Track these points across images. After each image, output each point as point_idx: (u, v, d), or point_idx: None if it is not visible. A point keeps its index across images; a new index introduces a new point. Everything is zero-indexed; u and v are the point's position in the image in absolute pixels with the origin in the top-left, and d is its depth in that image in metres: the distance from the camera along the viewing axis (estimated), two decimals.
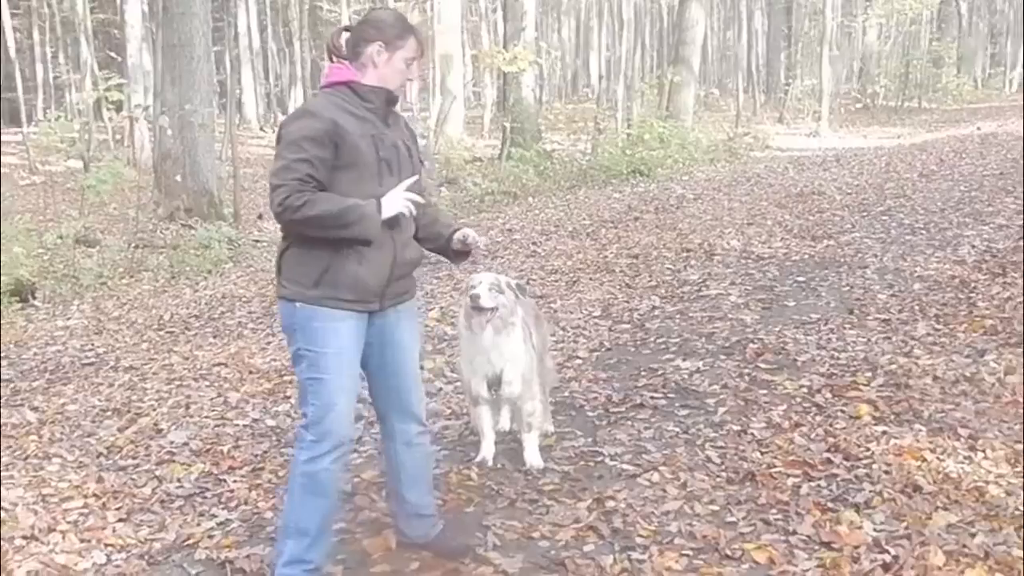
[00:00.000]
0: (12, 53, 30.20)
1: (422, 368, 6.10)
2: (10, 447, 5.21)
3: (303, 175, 3.18)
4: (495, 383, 4.46)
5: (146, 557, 3.90)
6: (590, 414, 5.29)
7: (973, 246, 8.88)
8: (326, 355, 3.33)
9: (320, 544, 3.47)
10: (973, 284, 7.50)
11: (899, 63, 36.34)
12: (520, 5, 20.72)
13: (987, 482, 4.14)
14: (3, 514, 4.29)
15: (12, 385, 6.57)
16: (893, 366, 5.68)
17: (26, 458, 5.04)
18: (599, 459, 4.66)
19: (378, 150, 3.32)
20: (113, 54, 28.52)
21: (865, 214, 11.10)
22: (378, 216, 3.23)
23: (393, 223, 3.31)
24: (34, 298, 9.44)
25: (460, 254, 3.67)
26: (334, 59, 3.47)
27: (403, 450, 3.66)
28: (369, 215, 3.21)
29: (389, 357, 3.53)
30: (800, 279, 8.05)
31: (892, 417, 4.94)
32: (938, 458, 4.41)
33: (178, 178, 13.97)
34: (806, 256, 8.92)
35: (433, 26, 25.13)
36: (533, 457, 4.57)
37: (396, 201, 3.29)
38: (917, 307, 6.97)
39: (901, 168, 15.73)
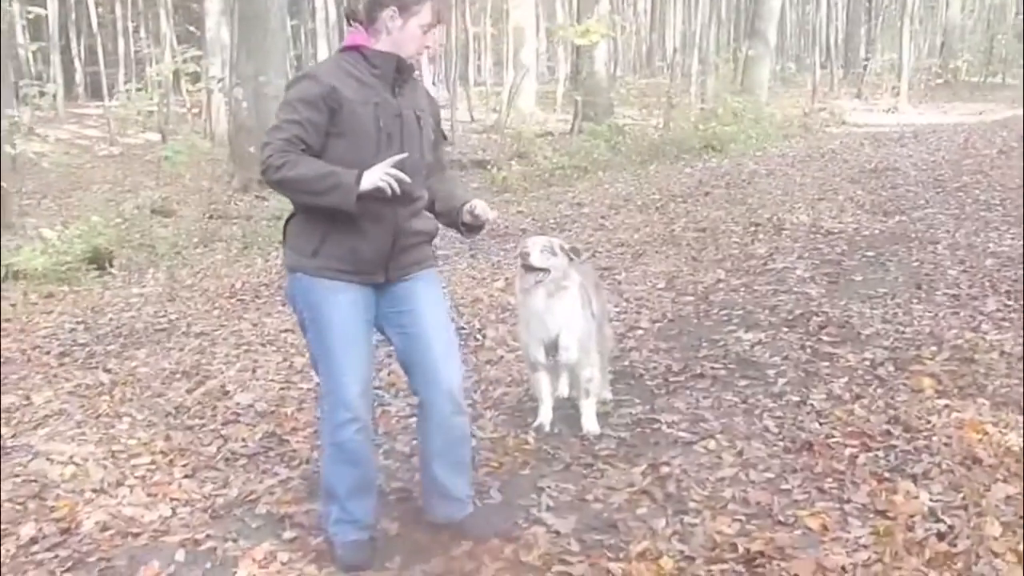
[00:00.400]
0: (95, 27, 30.86)
1: (479, 338, 6.25)
2: (83, 406, 5.39)
3: (290, 136, 3.18)
4: (552, 348, 4.49)
5: (209, 511, 4.02)
6: (649, 383, 5.31)
7: None
8: (330, 327, 3.35)
9: (362, 504, 3.56)
10: None
11: (983, 37, 35.46)
12: None
13: None
14: (75, 468, 4.46)
15: (87, 349, 6.77)
16: (959, 341, 5.60)
17: (97, 416, 5.20)
18: (656, 426, 4.68)
19: (379, 119, 3.27)
20: (193, 28, 28.92)
21: (940, 190, 10.89)
22: (355, 187, 3.13)
23: (396, 196, 3.20)
24: (111, 266, 9.68)
25: (471, 228, 3.58)
26: (351, 23, 3.43)
27: (434, 428, 3.55)
28: (345, 184, 3.13)
29: (410, 329, 3.47)
30: (869, 254, 7.94)
31: (955, 391, 4.88)
32: (1000, 431, 4.35)
33: (252, 150, 14.16)
34: (876, 231, 8.80)
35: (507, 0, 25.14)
36: (590, 423, 4.59)
37: (373, 175, 3.15)
38: (988, 283, 6.85)
39: (980, 144, 15.37)
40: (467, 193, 3.74)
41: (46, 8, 28.91)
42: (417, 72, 3.52)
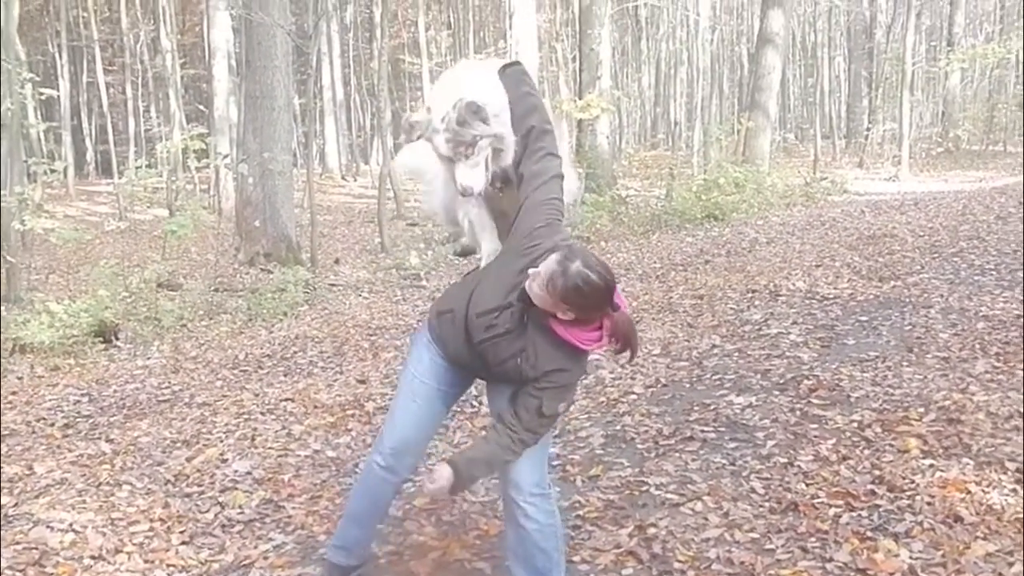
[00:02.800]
0: (105, 107, 31.43)
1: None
2: (84, 475, 5.47)
3: None
4: None
5: None
6: (640, 446, 5.39)
7: None
8: (404, 374, 3.51)
9: (354, 533, 3.69)
10: None
11: (983, 106, 35.84)
12: (596, 55, 20.99)
13: None
14: (74, 536, 4.54)
15: (91, 420, 6.88)
16: (947, 402, 5.66)
17: (98, 485, 5.29)
18: (644, 488, 4.76)
19: (498, 305, 3.25)
20: (202, 107, 29.46)
21: (936, 255, 11.00)
22: None
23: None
24: (117, 339, 9.83)
25: None
26: None
27: (508, 522, 3.50)
28: None
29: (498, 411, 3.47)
30: (862, 318, 8.03)
31: (940, 451, 4.94)
32: (983, 490, 4.41)
33: (258, 224, 14.45)
34: (871, 296, 8.89)
35: None
36: None
37: None
38: (978, 345, 6.92)
39: (978, 211, 15.51)
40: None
41: (58, 90, 29.51)
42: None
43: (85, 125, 35.25)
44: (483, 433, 3.51)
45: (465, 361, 3.39)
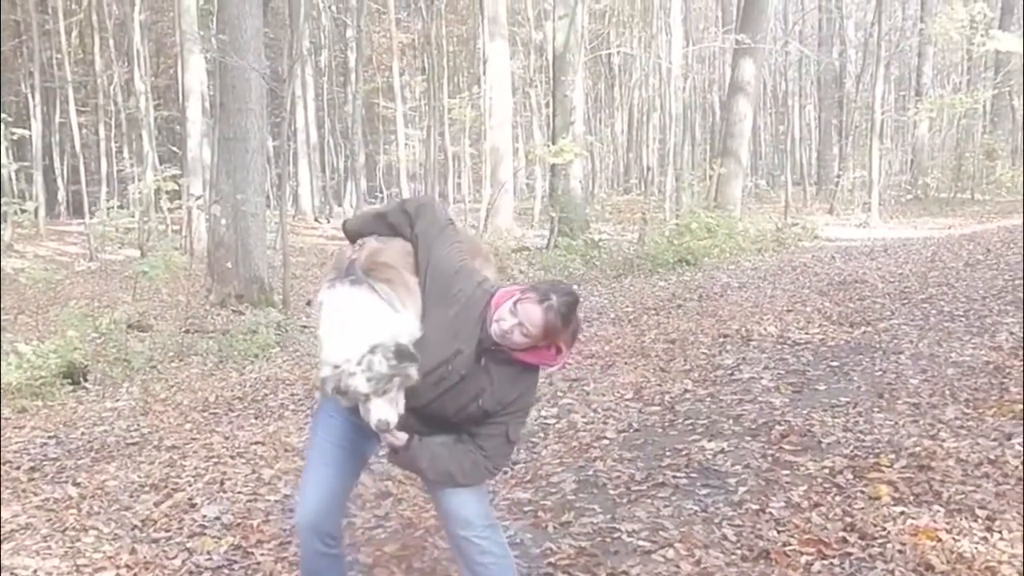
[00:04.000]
0: (78, 147, 31.33)
1: None
2: (50, 520, 5.39)
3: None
4: None
5: None
6: (612, 492, 5.38)
7: (1011, 333, 8.82)
8: (312, 439, 3.46)
9: None
10: (1007, 370, 7.47)
11: (951, 155, 36.33)
12: (569, 101, 21.20)
13: (1000, 562, 4.15)
14: None
15: (58, 463, 6.78)
16: (917, 448, 5.69)
17: (64, 530, 5.21)
18: (616, 535, 4.74)
19: (448, 360, 3.22)
20: (175, 148, 29.43)
21: (906, 301, 11.10)
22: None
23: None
24: (85, 380, 9.73)
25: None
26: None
27: (458, 557, 3.47)
28: None
29: None
30: (834, 363, 8.08)
31: (911, 498, 4.96)
32: (953, 538, 4.42)
33: (229, 265, 14.40)
34: (842, 342, 8.95)
35: (485, 121, 25.72)
36: None
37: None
38: (948, 391, 6.97)
39: (947, 257, 15.68)
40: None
41: (30, 130, 29.40)
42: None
43: (57, 165, 35.04)
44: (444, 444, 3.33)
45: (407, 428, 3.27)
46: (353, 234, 3.44)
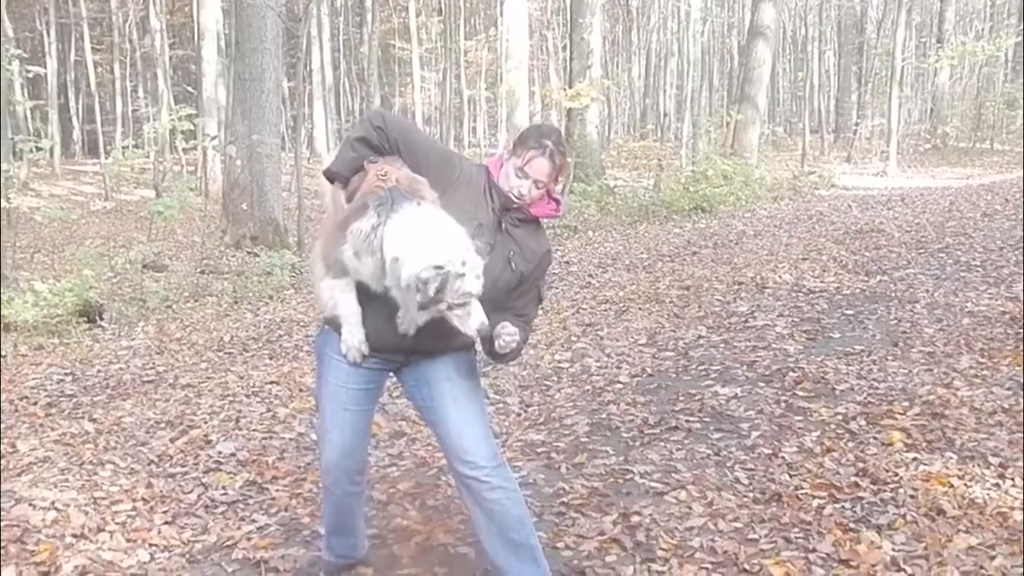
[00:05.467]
0: (93, 87, 31.25)
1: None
2: (67, 454, 5.45)
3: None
4: None
5: (187, 556, 4.09)
6: (625, 435, 5.40)
7: None
8: (325, 383, 3.43)
9: (339, 541, 3.76)
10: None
11: (971, 104, 35.95)
12: (586, 43, 20.97)
13: (1012, 508, 4.16)
14: (56, 514, 4.52)
15: (75, 399, 6.84)
16: (931, 396, 5.69)
17: (81, 464, 5.26)
18: (629, 477, 4.76)
19: (471, 234, 3.17)
20: (190, 88, 29.35)
21: (922, 251, 11.05)
22: None
23: None
24: (101, 319, 9.78)
25: (494, 354, 3.42)
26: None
27: (472, 505, 3.43)
28: None
29: (428, 403, 3.43)
30: (848, 312, 8.06)
31: (924, 445, 4.97)
32: (965, 484, 4.44)
33: (244, 206, 14.40)
34: (857, 290, 8.93)
35: (502, 63, 25.52)
36: None
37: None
38: (963, 341, 6.95)
39: (965, 207, 15.59)
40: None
41: (45, 67, 29.31)
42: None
43: (72, 104, 35.02)
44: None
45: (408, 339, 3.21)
46: (347, 172, 3.38)
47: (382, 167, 3.24)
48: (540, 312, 8.04)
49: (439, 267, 2.93)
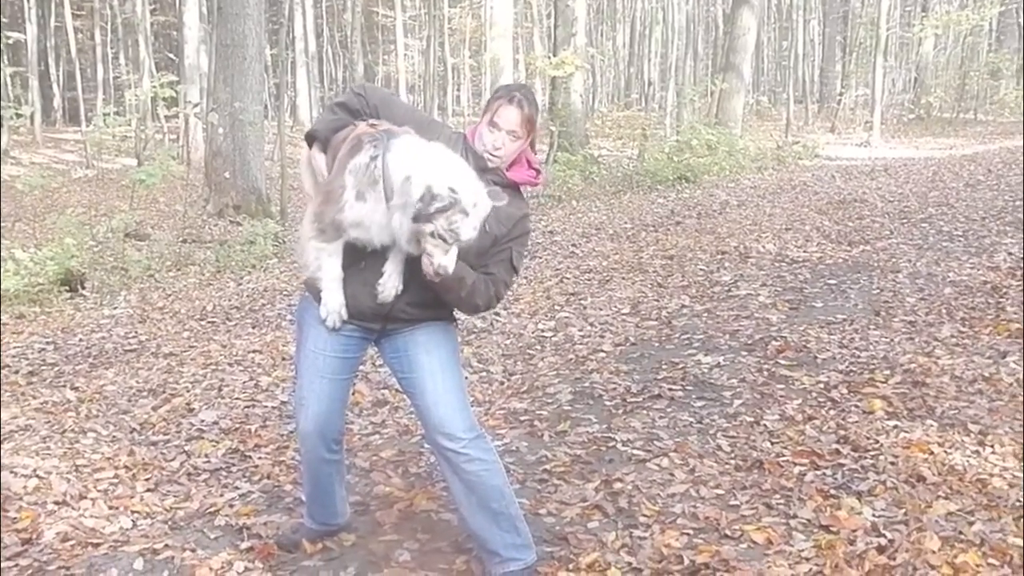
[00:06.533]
0: (73, 53, 30.93)
1: None
2: (49, 422, 5.44)
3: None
4: None
5: (169, 523, 4.09)
6: (607, 403, 5.42)
7: (1010, 253, 8.83)
8: (305, 351, 3.43)
9: (317, 509, 3.78)
10: (1004, 289, 7.48)
11: (955, 74, 35.96)
12: (571, 11, 20.86)
13: (991, 475, 4.21)
14: (38, 481, 4.51)
15: (56, 368, 6.81)
16: (912, 365, 5.72)
17: (63, 432, 5.26)
18: (611, 444, 4.79)
19: None
20: (172, 55, 29.09)
21: (905, 221, 11.08)
22: None
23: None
24: (83, 288, 9.72)
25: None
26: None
27: (450, 475, 3.43)
28: None
29: (407, 374, 3.43)
30: (831, 281, 8.09)
31: (905, 413, 5.00)
32: (945, 451, 4.48)
33: (227, 175, 14.31)
34: (840, 260, 8.95)
35: (486, 31, 25.40)
36: None
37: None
38: (944, 310, 6.98)
39: (948, 178, 15.64)
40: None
41: (25, 34, 29.00)
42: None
43: (53, 71, 34.65)
44: None
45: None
46: (327, 133, 3.36)
47: (370, 122, 3.25)
48: (524, 282, 8.08)
49: (454, 191, 2.96)
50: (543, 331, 7.16)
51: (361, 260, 3.24)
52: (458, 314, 3.50)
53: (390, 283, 3.24)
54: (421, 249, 3.08)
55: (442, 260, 3.04)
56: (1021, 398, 5.13)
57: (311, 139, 3.41)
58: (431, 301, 3.31)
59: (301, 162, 3.58)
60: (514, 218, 3.38)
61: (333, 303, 3.30)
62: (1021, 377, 5.45)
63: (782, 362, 5.95)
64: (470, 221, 2.99)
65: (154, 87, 15.04)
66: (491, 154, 3.33)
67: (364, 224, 3.12)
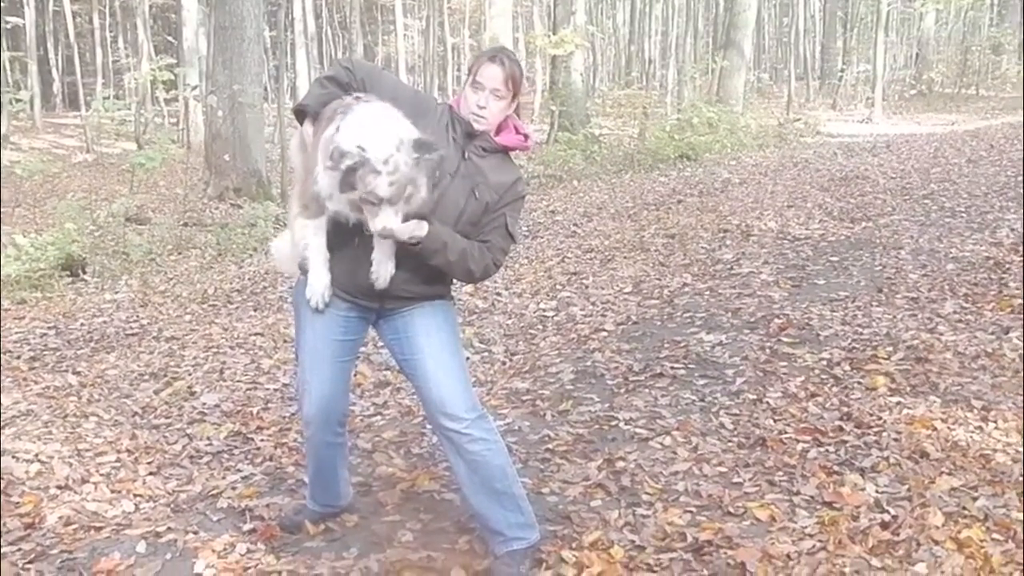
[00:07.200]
0: (72, 37, 30.83)
1: None
2: (50, 407, 5.42)
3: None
4: None
5: (171, 506, 4.08)
6: (610, 382, 5.41)
7: (1012, 229, 8.80)
8: (303, 334, 3.42)
9: (320, 491, 3.78)
10: (1007, 265, 7.46)
11: (957, 50, 35.82)
12: None
13: (995, 450, 4.20)
14: (40, 466, 4.51)
15: (58, 353, 6.80)
16: (915, 341, 5.71)
17: (65, 416, 5.24)
18: (614, 423, 4.78)
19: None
20: (170, 38, 29.00)
21: (907, 197, 11.04)
22: None
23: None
24: (84, 273, 9.71)
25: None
26: None
27: (453, 456, 3.41)
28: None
29: (407, 356, 3.40)
30: (833, 259, 8.07)
31: (908, 389, 5.00)
32: (948, 427, 4.47)
33: (227, 158, 14.28)
34: (842, 237, 8.93)
35: (485, 10, 25.29)
36: None
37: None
38: (947, 286, 6.97)
39: (950, 154, 15.58)
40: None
41: (24, 18, 28.91)
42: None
43: (52, 55, 34.56)
44: None
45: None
46: (317, 107, 3.32)
47: (356, 95, 3.22)
48: (525, 261, 8.06)
49: (361, 148, 2.91)
50: (545, 311, 7.15)
51: (355, 237, 3.21)
52: (457, 294, 3.49)
53: (382, 268, 3.21)
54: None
55: (376, 222, 2.99)
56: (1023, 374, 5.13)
57: (301, 114, 3.36)
58: (428, 277, 3.29)
59: (292, 141, 3.56)
60: (505, 185, 3.35)
61: (318, 283, 3.28)
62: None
63: (784, 339, 5.93)
64: (384, 179, 2.92)
65: (153, 70, 14.99)
66: (476, 115, 3.28)
67: (334, 196, 3.09)
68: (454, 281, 3.46)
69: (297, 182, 3.40)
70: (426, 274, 3.28)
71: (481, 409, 3.40)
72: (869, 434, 4.43)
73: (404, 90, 3.42)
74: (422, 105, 3.34)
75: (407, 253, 3.20)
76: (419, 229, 3.11)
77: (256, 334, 6.96)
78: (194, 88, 18.59)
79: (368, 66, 3.47)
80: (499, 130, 3.38)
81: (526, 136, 3.45)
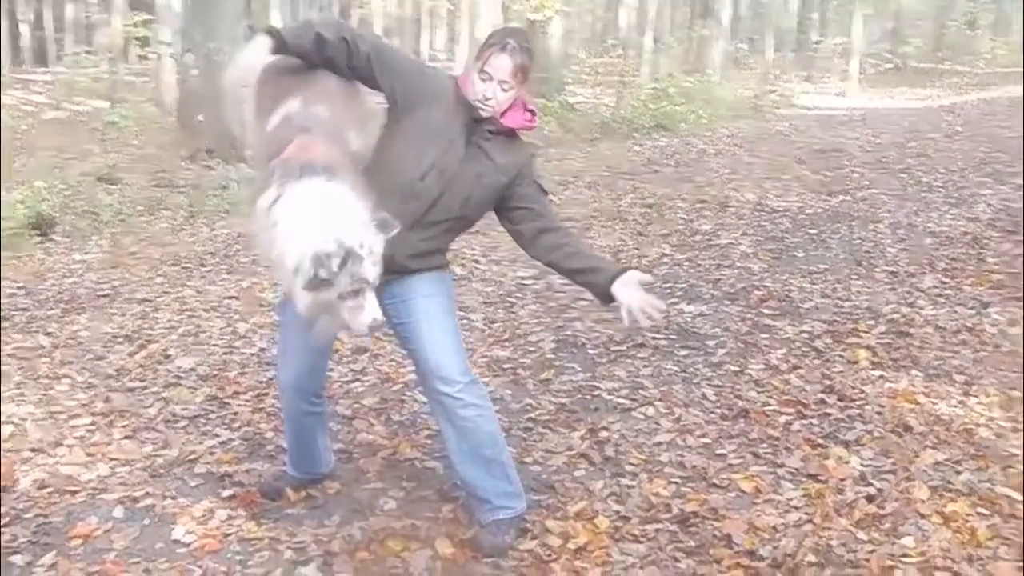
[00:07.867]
0: None
1: None
2: (22, 368, 5.33)
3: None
4: None
5: (148, 470, 4.02)
6: (591, 352, 5.38)
7: (989, 204, 8.85)
8: (286, 309, 3.32)
9: (298, 460, 3.75)
10: (985, 240, 7.50)
11: (933, 24, 35.87)
12: None
13: (978, 424, 4.22)
14: (13, 428, 4.43)
15: (28, 313, 6.67)
16: (896, 315, 5.72)
17: (37, 378, 5.15)
18: (596, 393, 4.75)
19: (441, 153, 3.17)
20: None
21: (884, 171, 11.07)
22: None
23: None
24: (54, 232, 9.54)
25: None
26: None
27: (443, 422, 3.38)
28: None
29: (403, 319, 3.33)
30: (812, 231, 8.07)
31: (890, 363, 5.00)
32: (931, 401, 4.48)
33: (200, 118, 14.05)
34: (820, 210, 8.93)
35: None
36: None
37: None
38: (926, 261, 6.99)
39: (926, 128, 15.63)
40: (598, 257, 3.67)
41: None
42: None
43: (20, 9, 33.92)
44: (556, 248, 3.36)
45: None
46: (289, 41, 3.17)
47: (309, 140, 2.98)
48: (502, 230, 7.98)
49: (341, 242, 2.69)
50: (523, 279, 7.09)
51: None
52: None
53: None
54: (337, 318, 2.85)
55: (363, 317, 2.81)
56: (1005, 349, 5.14)
57: (270, 37, 3.20)
58: (430, 249, 3.26)
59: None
60: (518, 165, 3.28)
61: None
62: (1004, 328, 5.46)
63: (765, 311, 5.93)
64: (368, 262, 2.75)
65: (126, 27, 14.73)
66: (482, 104, 3.17)
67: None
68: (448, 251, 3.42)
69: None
70: (427, 247, 3.24)
71: (473, 374, 3.36)
72: (852, 407, 4.44)
73: (410, 69, 3.28)
74: (427, 79, 3.24)
75: (417, 231, 3.17)
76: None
77: (230, 297, 6.86)
78: (168, 45, 18.28)
79: (375, 41, 3.31)
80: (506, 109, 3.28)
81: (532, 113, 3.34)
